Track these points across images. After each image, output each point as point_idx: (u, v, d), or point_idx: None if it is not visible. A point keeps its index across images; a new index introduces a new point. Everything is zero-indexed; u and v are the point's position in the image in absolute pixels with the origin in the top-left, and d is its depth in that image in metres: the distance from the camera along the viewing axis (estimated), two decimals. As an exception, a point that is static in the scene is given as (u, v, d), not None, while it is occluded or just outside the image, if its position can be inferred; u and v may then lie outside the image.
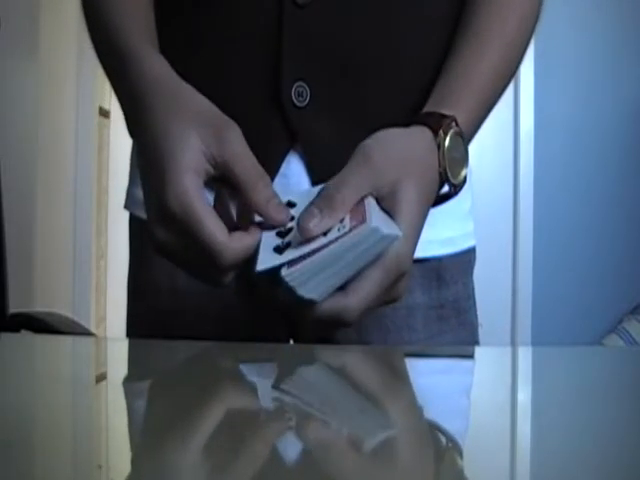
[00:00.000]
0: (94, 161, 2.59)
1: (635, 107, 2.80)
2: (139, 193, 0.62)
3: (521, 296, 2.81)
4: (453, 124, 0.51)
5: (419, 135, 0.50)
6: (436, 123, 0.51)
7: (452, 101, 0.54)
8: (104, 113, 2.70)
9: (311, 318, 0.43)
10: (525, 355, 0.48)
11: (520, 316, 2.81)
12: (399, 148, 0.49)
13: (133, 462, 0.22)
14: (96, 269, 2.81)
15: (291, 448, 0.24)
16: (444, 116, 0.51)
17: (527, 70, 2.69)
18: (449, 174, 0.50)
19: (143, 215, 0.61)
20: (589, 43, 2.77)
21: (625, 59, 2.81)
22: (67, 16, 2.23)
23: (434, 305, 0.60)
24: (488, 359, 0.45)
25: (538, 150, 2.80)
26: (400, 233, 0.43)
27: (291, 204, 0.47)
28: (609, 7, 2.77)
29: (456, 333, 0.61)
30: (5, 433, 0.25)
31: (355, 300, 0.43)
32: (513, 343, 2.73)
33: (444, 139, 0.50)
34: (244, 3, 0.55)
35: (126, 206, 0.64)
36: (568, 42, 2.75)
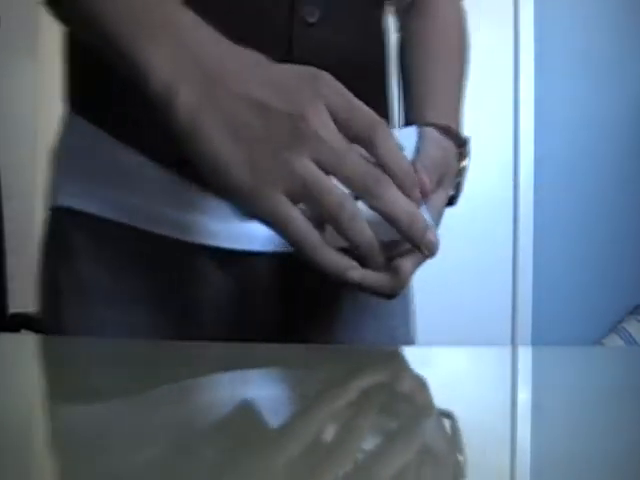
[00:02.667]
0: (94, 161, 2.58)
1: (636, 106, 2.80)
2: (68, 183, 0.59)
3: (521, 296, 2.81)
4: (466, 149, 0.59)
5: (453, 150, 0.58)
6: (459, 141, 0.58)
7: (453, 115, 0.62)
8: (104, 113, 2.69)
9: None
10: (525, 355, 0.48)
11: (520, 316, 2.81)
12: (447, 156, 0.56)
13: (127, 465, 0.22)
14: (96, 269, 2.80)
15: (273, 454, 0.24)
16: (461, 137, 0.59)
17: (527, 70, 2.69)
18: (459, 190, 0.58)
19: (74, 204, 0.58)
20: (589, 42, 2.77)
21: (626, 58, 2.81)
22: (67, 16, 2.23)
23: None
24: (488, 359, 0.45)
25: (538, 150, 2.80)
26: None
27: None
28: (610, 5, 2.77)
29: (411, 319, 0.69)
30: (4, 433, 0.25)
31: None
32: (513, 343, 2.74)
33: (465, 159, 0.58)
34: (254, 20, 0.56)
35: (51, 202, 0.61)
36: (568, 41, 2.75)
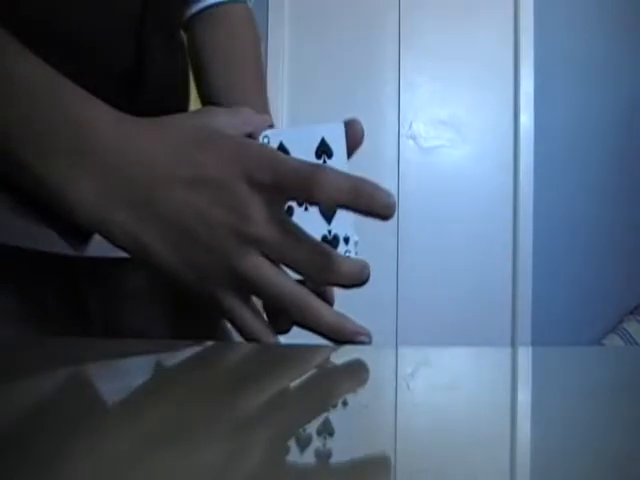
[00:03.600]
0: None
1: (635, 107, 2.80)
2: None
3: (521, 296, 2.81)
4: None
5: None
6: None
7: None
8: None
9: None
10: (525, 355, 0.48)
11: (520, 316, 2.81)
12: None
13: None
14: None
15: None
16: None
17: (527, 70, 2.69)
18: None
19: None
20: (588, 43, 2.78)
21: (624, 59, 2.81)
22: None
23: None
24: (488, 359, 0.45)
25: (538, 150, 2.80)
26: None
27: (284, 150, 0.46)
28: (609, 8, 2.77)
29: None
30: (3, 434, 0.25)
31: None
32: (513, 343, 2.74)
33: None
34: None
35: None
36: (567, 42, 2.75)
